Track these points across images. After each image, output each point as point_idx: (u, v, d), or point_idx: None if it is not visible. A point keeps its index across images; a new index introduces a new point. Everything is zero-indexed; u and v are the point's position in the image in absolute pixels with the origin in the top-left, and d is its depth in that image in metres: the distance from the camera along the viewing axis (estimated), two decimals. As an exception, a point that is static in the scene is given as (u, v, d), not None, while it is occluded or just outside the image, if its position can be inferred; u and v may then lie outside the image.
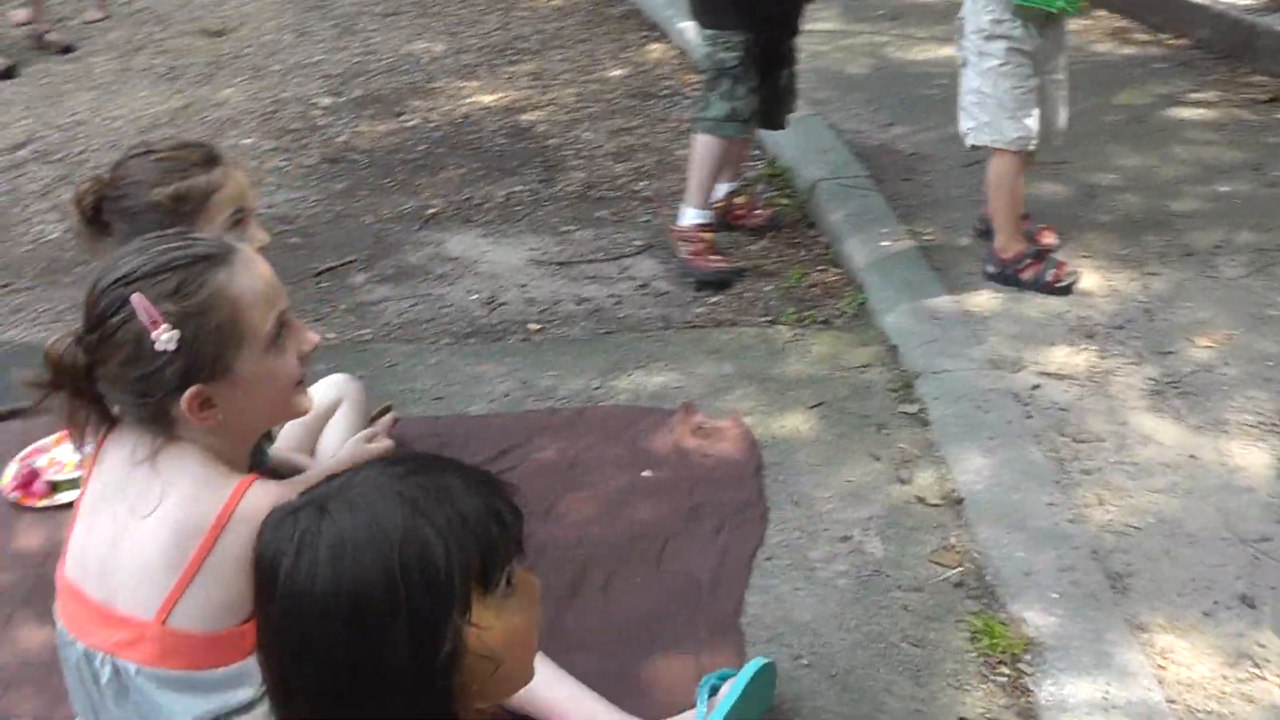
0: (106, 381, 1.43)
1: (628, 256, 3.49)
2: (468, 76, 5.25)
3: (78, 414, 1.47)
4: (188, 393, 1.40)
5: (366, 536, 0.99)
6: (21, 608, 2.12)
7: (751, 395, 2.72)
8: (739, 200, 3.58)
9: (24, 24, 6.08)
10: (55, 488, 2.41)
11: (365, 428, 2.38)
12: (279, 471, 2.16)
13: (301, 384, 1.55)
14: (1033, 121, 2.84)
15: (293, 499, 1.07)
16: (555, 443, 2.56)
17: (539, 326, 3.13)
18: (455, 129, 4.61)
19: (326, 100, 5.05)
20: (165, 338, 1.37)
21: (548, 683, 1.79)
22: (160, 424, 1.45)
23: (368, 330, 3.18)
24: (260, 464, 2.06)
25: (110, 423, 1.51)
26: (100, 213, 1.84)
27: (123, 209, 1.82)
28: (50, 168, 4.46)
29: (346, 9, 6.55)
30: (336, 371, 2.53)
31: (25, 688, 1.95)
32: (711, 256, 3.28)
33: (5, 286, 3.58)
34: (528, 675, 1.14)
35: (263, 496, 1.44)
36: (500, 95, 4.95)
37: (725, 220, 3.50)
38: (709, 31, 3.18)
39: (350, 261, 3.58)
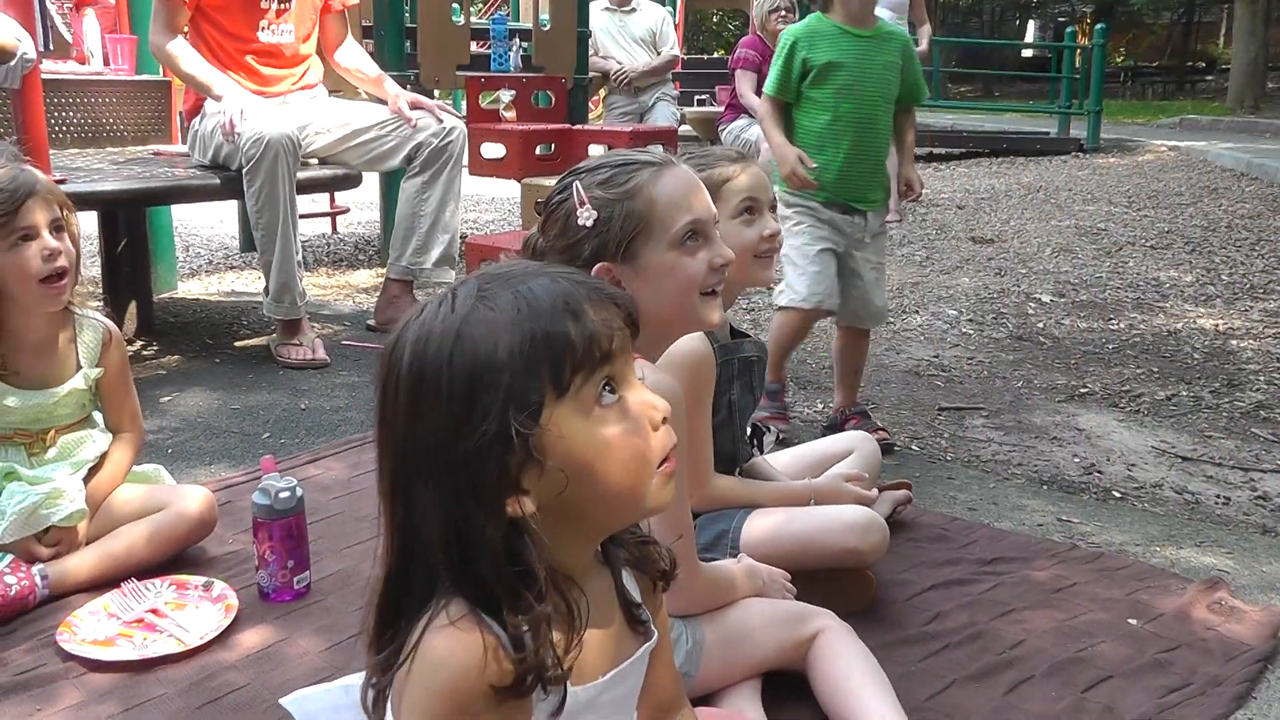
0: (548, 254, 1.72)
1: (1263, 471, 3.11)
2: (1200, 303, 5.03)
3: None
4: (596, 267, 1.64)
5: (442, 335, 1.01)
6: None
7: (1309, 601, 2.31)
8: None
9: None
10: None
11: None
12: (751, 471, 2.31)
13: (715, 295, 1.71)
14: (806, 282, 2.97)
15: None
16: (1055, 568, 2.39)
17: (1121, 495, 2.93)
18: (1157, 339, 4.45)
19: (1047, 298, 5.14)
20: (585, 215, 1.63)
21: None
22: (579, 296, 1.71)
23: (951, 454, 3.19)
24: (733, 459, 2.25)
25: None
26: None
27: None
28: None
29: (1118, 238, 6.61)
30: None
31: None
32: None
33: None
34: (624, 505, 1.08)
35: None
36: (1221, 321, 4.68)
37: None
38: None
39: (978, 408, 3.62)
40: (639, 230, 1.63)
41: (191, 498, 2.26)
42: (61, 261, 2.11)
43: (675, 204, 1.64)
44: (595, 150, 6.03)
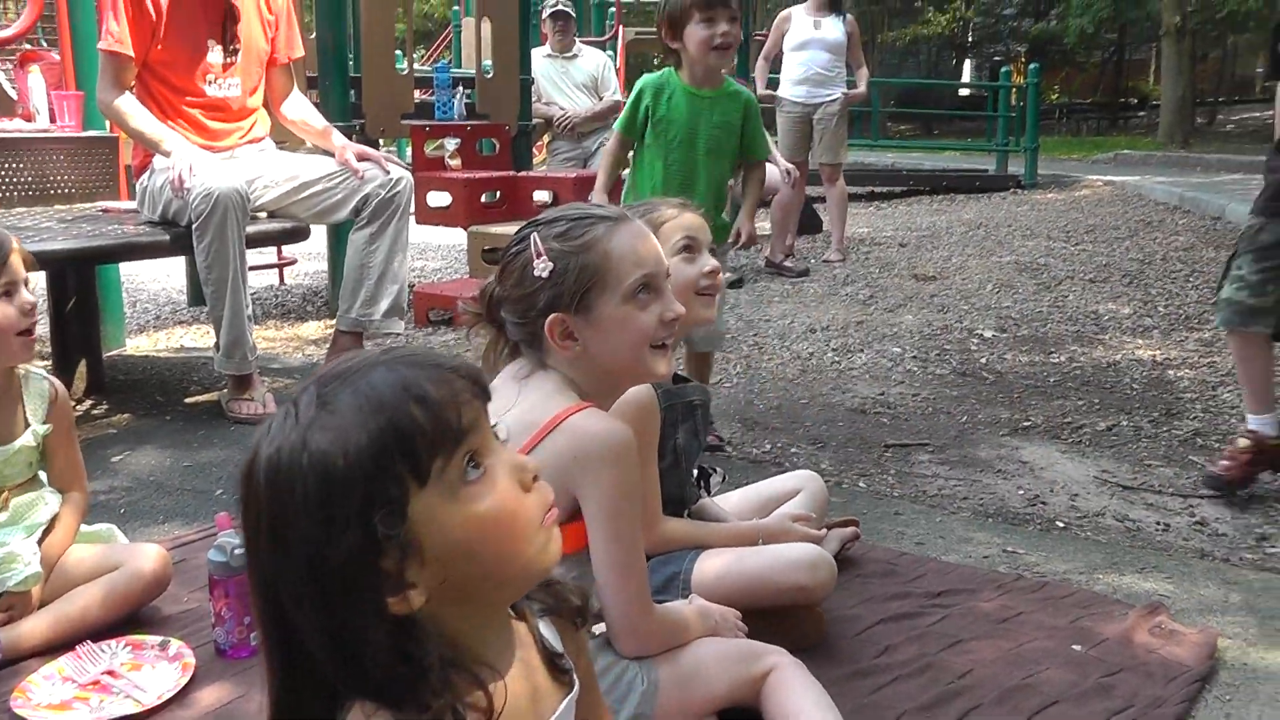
0: (504, 303, 1.77)
1: (1201, 498, 3.20)
2: (1138, 335, 5.16)
3: (497, 346, 1.84)
4: (550, 317, 1.69)
5: (290, 452, 0.98)
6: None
7: (1245, 624, 2.37)
8: None
9: (777, 259, 7.08)
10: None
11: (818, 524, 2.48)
12: (700, 514, 2.36)
13: (664, 349, 1.76)
14: None
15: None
16: (1001, 598, 2.45)
17: (1065, 525, 3.00)
18: (1096, 371, 4.55)
19: (989, 333, 5.24)
20: (541, 266, 1.68)
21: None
22: (534, 348, 1.76)
23: (899, 490, 3.25)
24: (681, 502, 2.30)
25: (514, 358, 1.84)
26: None
27: None
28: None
29: (1058, 273, 6.75)
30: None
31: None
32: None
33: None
34: (515, 573, 1.08)
35: (587, 418, 1.67)
36: (1159, 352, 4.80)
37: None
38: None
39: (924, 444, 3.69)
40: (593, 283, 1.68)
41: (145, 556, 2.26)
42: (36, 315, 2.17)
43: (629, 258, 1.69)
44: (540, 196, 6.10)
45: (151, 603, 2.30)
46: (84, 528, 2.36)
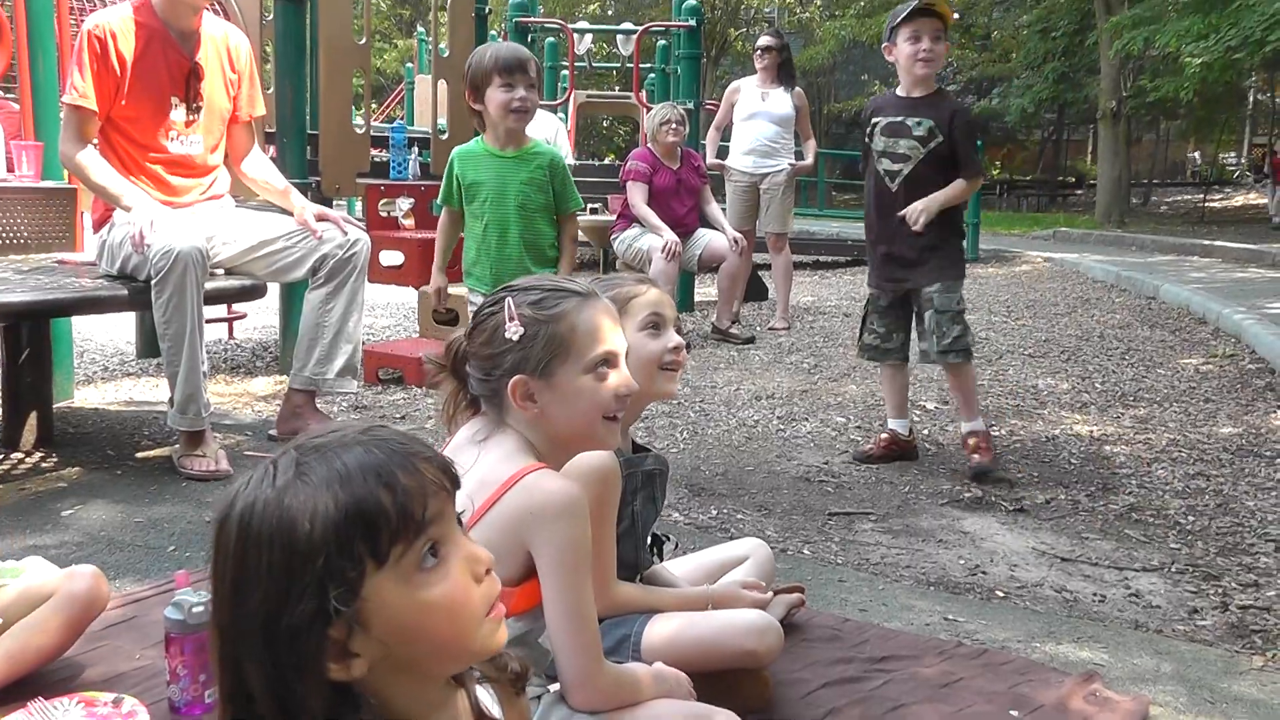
0: (471, 358, 1.83)
1: (1135, 570, 3.30)
2: (1076, 410, 5.30)
3: (456, 398, 1.90)
4: (514, 379, 1.77)
5: (262, 513, 1.02)
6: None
7: (1175, 693, 2.45)
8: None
9: (723, 325, 7.17)
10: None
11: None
12: (651, 579, 2.41)
13: (615, 420, 1.84)
14: None
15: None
16: (942, 665, 2.52)
17: (1004, 595, 3.08)
18: (1035, 445, 4.67)
19: (931, 405, 5.36)
20: (512, 329, 1.77)
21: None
22: (494, 405, 1.83)
23: (842, 558, 3.33)
24: (635, 567, 2.35)
25: (473, 412, 1.90)
26: None
27: None
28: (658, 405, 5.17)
29: (999, 347, 6.92)
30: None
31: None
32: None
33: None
34: (455, 654, 1.13)
35: (541, 477, 1.74)
36: (1095, 428, 4.93)
37: None
38: None
39: (867, 513, 3.77)
40: (558, 352, 1.77)
41: (78, 577, 2.24)
42: None
43: (594, 334, 1.79)
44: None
45: (105, 643, 2.28)
46: (12, 563, 2.34)
